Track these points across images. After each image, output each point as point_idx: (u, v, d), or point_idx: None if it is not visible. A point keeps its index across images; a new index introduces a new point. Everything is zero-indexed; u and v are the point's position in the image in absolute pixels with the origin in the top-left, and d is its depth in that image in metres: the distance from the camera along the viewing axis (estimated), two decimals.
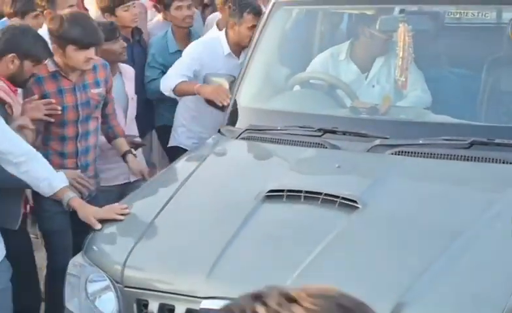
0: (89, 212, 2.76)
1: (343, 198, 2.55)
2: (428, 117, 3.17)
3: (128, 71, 3.93)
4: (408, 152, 2.90)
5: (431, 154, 2.88)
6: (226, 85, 3.62)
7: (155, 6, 5.06)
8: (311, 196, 2.60)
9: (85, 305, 2.55)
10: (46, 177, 2.82)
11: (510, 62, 3.39)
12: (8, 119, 2.93)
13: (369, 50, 3.52)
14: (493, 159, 2.78)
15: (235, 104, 3.46)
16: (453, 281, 2.20)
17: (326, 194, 2.58)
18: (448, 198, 2.65)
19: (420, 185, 2.77)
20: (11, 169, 2.77)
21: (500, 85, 3.26)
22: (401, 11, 3.36)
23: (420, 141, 2.92)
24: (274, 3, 3.63)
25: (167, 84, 3.96)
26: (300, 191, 2.62)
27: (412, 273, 2.20)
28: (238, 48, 4.00)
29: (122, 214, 2.68)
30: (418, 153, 2.90)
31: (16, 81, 3.07)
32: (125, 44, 3.86)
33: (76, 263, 2.63)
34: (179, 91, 3.94)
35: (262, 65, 3.61)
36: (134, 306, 2.41)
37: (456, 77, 3.36)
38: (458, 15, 3.53)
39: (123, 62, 3.88)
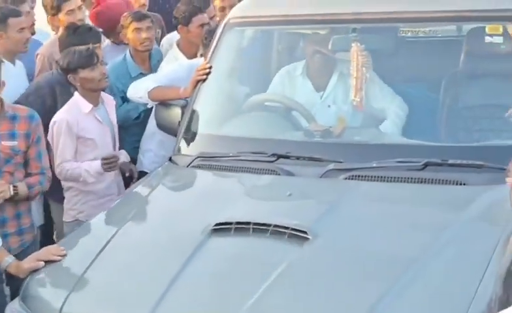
0: (26, 266, 2.61)
1: (293, 229, 2.45)
2: (383, 138, 3.08)
3: (109, 99, 3.77)
4: (362, 176, 2.81)
5: (385, 177, 2.79)
6: (178, 111, 3.50)
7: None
8: (260, 228, 2.49)
9: None
10: None
11: (468, 78, 3.32)
12: None
13: (323, 69, 3.43)
14: (447, 180, 2.70)
15: (187, 130, 3.35)
16: (406, 310, 2.10)
17: (275, 225, 2.47)
18: (401, 223, 2.55)
19: (374, 211, 2.67)
20: None
21: (456, 103, 3.19)
22: (354, 30, 3.29)
23: (374, 165, 2.83)
24: (226, 24, 3.54)
25: (141, 87, 3.76)
26: (249, 223, 2.51)
27: (362, 304, 2.10)
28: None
29: (60, 255, 2.55)
30: (372, 177, 2.80)
31: None
32: (105, 71, 3.67)
33: (13, 309, 2.49)
34: (157, 95, 3.69)
35: (215, 89, 3.50)
36: None
37: (412, 96, 3.28)
38: (409, 34, 3.47)
39: (103, 89, 3.69)
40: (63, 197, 3.71)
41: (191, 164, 3.12)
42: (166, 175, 3.15)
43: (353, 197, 2.71)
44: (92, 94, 3.62)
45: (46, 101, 3.78)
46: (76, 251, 2.66)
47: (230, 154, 3.07)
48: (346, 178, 2.81)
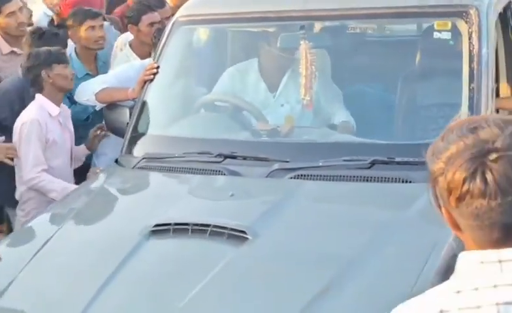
0: None
1: (232, 229, 2.39)
2: (331, 137, 3.03)
3: (65, 107, 3.71)
4: (308, 176, 2.76)
5: (331, 176, 2.74)
6: (127, 111, 3.43)
7: None
8: (199, 229, 2.43)
9: None
10: None
11: (415, 77, 3.29)
12: None
13: (275, 68, 3.38)
14: (393, 178, 2.66)
15: (133, 131, 3.27)
16: (340, 309, 2.05)
17: (214, 226, 2.41)
18: (344, 222, 2.51)
19: (316, 210, 2.63)
20: None
21: (402, 102, 3.16)
22: (302, 28, 3.23)
23: (320, 163, 2.78)
24: (174, 23, 3.47)
25: (88, 89, 3.69)
26: (188, 224, 2.44)
27: (296, 303, 2.04)
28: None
29: None
30: (318, 176, 2.76)
31: None
32: (74, 72, 3.70)
33: None
34: (104, 97, 3.63)
35: (162, 89, 3.43)
36: None
37: (358, 94, 3.24)
38: (358, 30, 3.43)
39: (70, 90, 3.69)
40: (17, 202, 3.61)
41: (137, 165, 3.05)
42: (110, 177, 3.07)
43: (297, 197, 2.66)
44: (59, 95, 3.59)
45: (14, 106, 3.70)
46: (13, 253, 2.58)
47: (176, 155, 3.00)
48: (291, 178, 2.76)
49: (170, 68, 3.45)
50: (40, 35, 3.93)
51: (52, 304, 2.23)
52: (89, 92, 3.69)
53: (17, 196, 3.58)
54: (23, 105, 3.65)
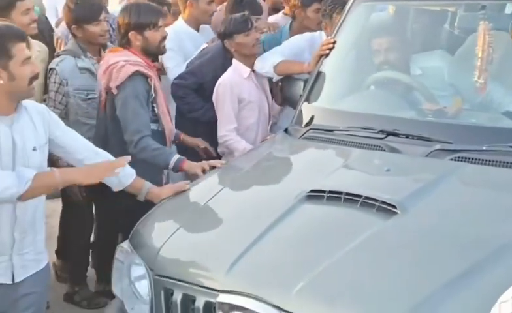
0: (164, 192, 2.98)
1: (383, 202, 2.44)
2: (499, 122, 2.93)
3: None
4: (470, 159, 2.70)
5: (495, 161, 2.66)
6: (301, 84, 3.60)
7: None
8: (351, 198, 2.52)
9: (127, 289, 2.66)
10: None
11: None
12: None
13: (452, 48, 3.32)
14: None
15: (305, 102, 3.42)
16: (478, 298, 2.02)
17: (365, 197, 2.48)
18: (502, 208, 2.43)
19: (474, 193, 2.58)
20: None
21: None
22: (482, 8, 3.14)
23: (484, 148, 2.71)
24: (354, 0, 3.55)
25: (268, 61, 3.92)
26: (341, 192, 2.54)
27: (430, 285, 2.06)
28: None
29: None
30: (480, 160, 2.68)
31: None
32: (259, 36, 3.98)
33: (122, 249, 2.75)
34: (282, 69, 3.87)
35: (338, 64, 3.54)
36: (162, 293, 2.47)
37: None
38: None
39: (256, 54, 3.97)
40: None
41: (303, 135, 3.20)
42: (278, 144, 3.26)
43: (454, 178, 2.63)
44: (248, 59, 3.88)
45: (217, 71, 4.03)
46: (184, 200, 2.87)
47: (340, 128, 3.09)
48: (452, 160, 2.73)
49: (346, 43, 3.54)
50: (240, 1, 4.28)
51: (207, 254, 2.46)
52: (268, 64, 3.91)
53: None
54: (224, 70, 4.00)
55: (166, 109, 3.65)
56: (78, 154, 2.86)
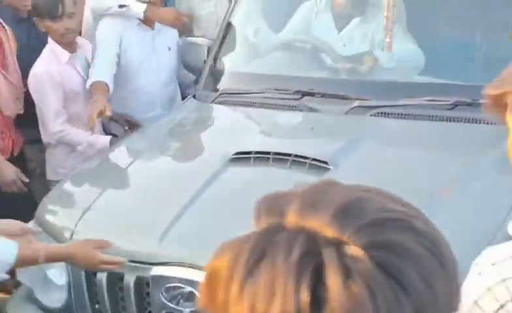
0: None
1: (314, 159, 2.38)
2: (413, 77, 2.97)
3: (86, 43, 3.50)
4: (389, 114, 2.71)
5: (414, 115, 2.69)
6: (204, 49, 3.45)
7: None
8: (280, 158, 2.43)
9: (37, 275, 2.39)
10: None
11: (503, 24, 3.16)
12: None
13: (347, 6, 3.27)
14: (477, 120, 2.59)
15: (212, 67, 3.28)
16: None
17: (295, 156, 2.40)
18: (427, 159, 2.46)
19: (400, 146, 2.59)
20: None
21: (493, 48, 3.04)
22: None
23: (401, 102, 2.73)
24: None
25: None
26: (269, 153, 2.44)
27: None
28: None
29: None
30: (400, 114, 2.71)
31: None
32: (71, 25, 3.29)
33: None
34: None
35: (240, 27, 3.42)
36: (83, 275, 2.23)
37: (445, 39, 3.14)
38: None
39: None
40: None
41: (215, 100, 3.06)
42: (188, 110, 3.10)
43: (379, 133, 2.62)
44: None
45: None
46: (92, 176, 2.63)
47: (254, 91, 2.99)
48: (372, 116, 2.72)
49: (247, 7, 3.43)
50: None
51: (133, 225, 2.27)
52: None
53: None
54: None
55: None
56: None
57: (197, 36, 3.93)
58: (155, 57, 3.51)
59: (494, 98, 1.29)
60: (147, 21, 3.49)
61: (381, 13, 3.10)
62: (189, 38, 3.61)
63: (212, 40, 3.48)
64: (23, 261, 2.03)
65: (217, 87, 3.15)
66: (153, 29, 3.53)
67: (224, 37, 3.34)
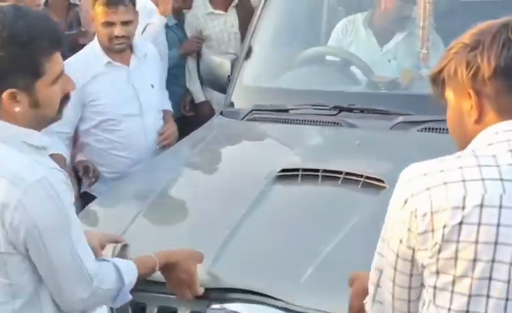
0: None
1: (368, 177, 2.22)
2: None
3: None
4: (436, 129, 2.57)
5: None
6: (228, 65, 3.29)
7: None
8: (330, 176, 2.26)
9: None
10: None
11: None
12: None
13: (388, 20, 3.17)
14: None
15: (238, 84, 3.12)
16: None
17: (347, 173, 2.24)
18: None
19: None
20: None
21: None
22: None
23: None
24: None
25: None
26: (317, 170, 2.28)
27: None
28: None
29: None
30: (446, 129, 2.56)
31: None
32: None
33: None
34: None
35: (268, 41, 3.27)
36: (129, 311, 1.99)
37: None
38: None
39: None
40: None
41: (246, 117, 2.90)
42: (218, 128, 2.92)
43: (429, 148, 2.46)
44: None
45: None
46: (132, 194, 2.46)
47: (288, 107, 2.83)
48: (419, 131, 2.58)
49: (275, 20, 3.29)
50: None
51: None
52: None
53: None
54: None
55: None
56: None
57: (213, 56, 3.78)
58: (135, 98, 3.06)
59: (433, 78, 1.38)
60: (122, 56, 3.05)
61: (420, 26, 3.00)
62: (212, 56, 3.44)
63: (235, 56, 3.34)
64: (143, 276, 1.82)
65: (247, 104, 2.99)
66: (128, 65, 3.08)
67: (249, 52, 3.19)
